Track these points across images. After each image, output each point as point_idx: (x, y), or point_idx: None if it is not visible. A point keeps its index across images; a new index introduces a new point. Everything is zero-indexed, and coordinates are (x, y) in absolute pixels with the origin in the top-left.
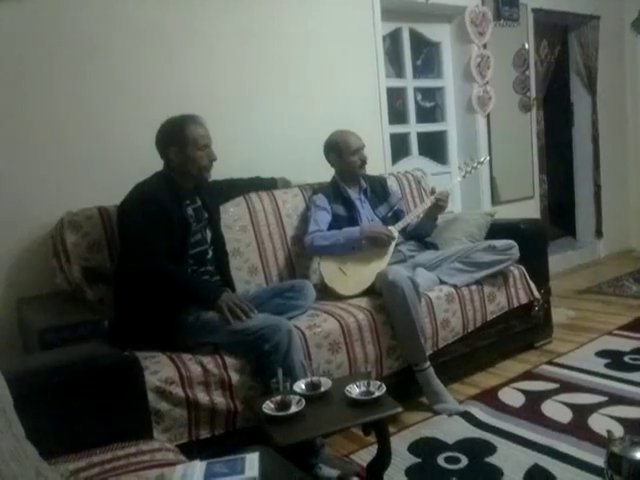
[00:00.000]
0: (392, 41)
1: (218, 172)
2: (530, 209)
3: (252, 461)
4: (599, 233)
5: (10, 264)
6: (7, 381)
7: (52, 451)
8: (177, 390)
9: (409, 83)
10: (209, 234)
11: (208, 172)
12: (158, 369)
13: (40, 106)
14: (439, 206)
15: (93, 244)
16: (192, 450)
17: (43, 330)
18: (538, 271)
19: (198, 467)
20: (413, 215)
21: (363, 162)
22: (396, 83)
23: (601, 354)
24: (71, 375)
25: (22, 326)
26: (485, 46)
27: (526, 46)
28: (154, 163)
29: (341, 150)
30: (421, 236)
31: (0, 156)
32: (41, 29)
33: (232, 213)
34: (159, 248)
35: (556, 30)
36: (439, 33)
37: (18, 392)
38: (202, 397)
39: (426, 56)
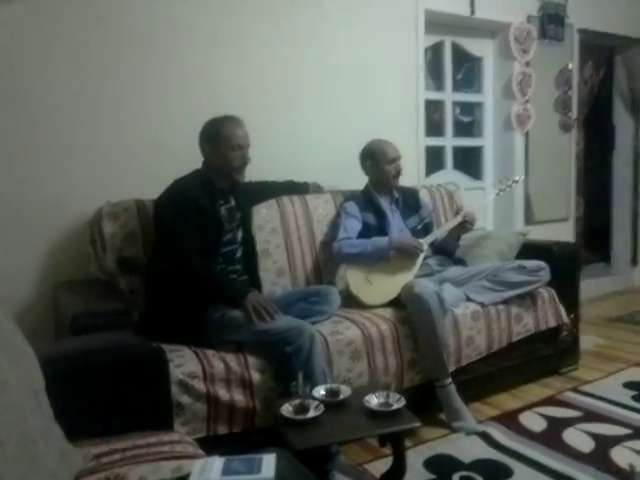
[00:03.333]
0: (434, 54)
1: (252, 173)
2: (564, 231)
3: (269, 462)
4: (635, 261)
5: (49, 249)
6: (40, 364)
7: (77, 434)
8: (199, 385)
9: (448, 96)
10: (240, 234)
11: (240, 173)
12: (182, 363)
13: (85, 98)
14: (465, 227)
15: (129, 235)
16: (210, 445)
17: (76, 315)
18: (568, 295)
19: (216, 463)
20: (443, 230)
21: (398, 173)
22: (435, 96)
23: (628, 385)
24: (100, 362)
25: (56, 310)
26: (528, 64)
27: (570, 66)
28: (193, 160)
29: (378, 158)
30: (443, 254)
31: (45, 146)
32: (86, 21)
33: (264, 214)
34: (191, 245)
35: (602, 51)
36: (482, 48)
37: (49, 375)
38: (223, 394)
39: (467, 70)
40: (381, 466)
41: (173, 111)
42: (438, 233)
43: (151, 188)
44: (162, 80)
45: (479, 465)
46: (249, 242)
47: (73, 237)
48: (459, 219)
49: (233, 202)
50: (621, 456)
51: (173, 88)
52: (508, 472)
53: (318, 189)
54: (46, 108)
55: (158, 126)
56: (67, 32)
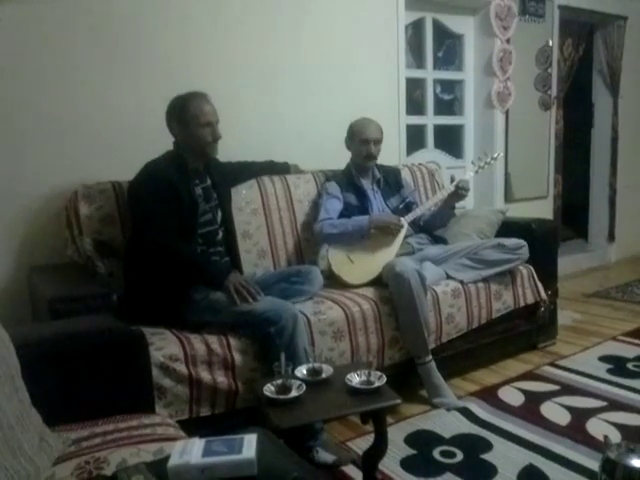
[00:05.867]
0: (414, 31)
1: (232, 153)
2: (543, 209)
3: (250, 442)
4: (611, 237)
5: (24, 233)
6: (16, 348)
7: (56, 418)
8: (181, 367)
9: (429, 74)
10: (220, 215)
11: (212, 150)
12: (163, 345)
13: (61, 79)
14: (459, 194)
15: (106, 218)
16: (192, 426)
17: (53, 300)
18: (547, 272)
19: (197, 444)
20: (424, 207)
21: (368, 155)
22: (416, 74)
23: (604, 359)
24: (78, 346)
25: (33, 295)
26: (508, 41)
27: (550, 43)
28: (169, 141)
29: (353, 136)
30: (436, 227)
31: (19, 126)
32: (55, 4)
33: (244, 195)
34: (168, 226)
35: (581, 28)
36: (462, 25)
37: (26, 359)
38: (205, 375)
39: (448, 48)
40: (363, 443)
41: (147, 92)
42: (419, 211)
43: (127, 170)
44: (134, 60)
45: (459, 440)
46: (227, 223)
47: (49, 220)
48: (452, 188)
49: (209, 181)
50: (596, 428)
51: (147, 68)
52: (488, 446)
53: (298, 171)
54: (17, 91)
55: (132, 107)
56: (35, 15)
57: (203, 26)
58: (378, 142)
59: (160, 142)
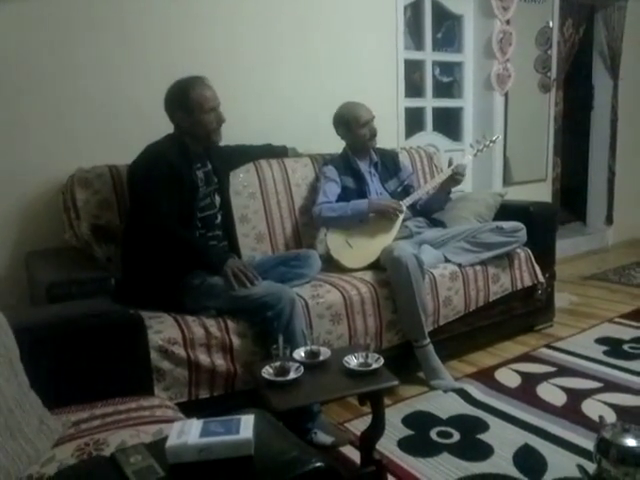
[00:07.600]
0: (413, 12)
1: (230, 137)
2: (541, 192)
3: (247, 422)
4: (609, 220)
5: (21, 218)
6: (14, 332)
7: (55, 401)
8: (179, 350)
9: (428, 56)
10: (218, 199)
11: (217, 135)
12: (162, 329)
13: (57, 63)
14: (455, 179)
15: (103, 202)
16: (192, 409)
17: (51, 284)
18: (545, 255)
19: (195, 425)
20: (423, 191)
21: (373, 134)
22: (415, 55)
23: (601, 341)
24: (76, 329)
25: (31, 279)
26: (508, 22)
27: (550, 24)
28: (167, 124)
29: (349, 123)
30: (433, 210)
31: (16, 110)
32: None
33: (242, 179)
34: (169, 209)
35: (582, 9)
36: (462, 6)
37: (24, 343)
38: (203, 359)
39: (447, 29)
40: (361, 424)
41: (145, 74)
42: (417, 195)
43: (124, 154)
44: (136, 42)
45: (456, 420)
46: (226, 207)
47: (46, 205)
48: (449, 172)
49: (210, 166)
50: (592, 408)
51: (145, 50)
52: (484, 426)
53: (297, 155)
54: (15, 76)
55: (128, 90)
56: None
57: (202, 8)
58: (374, 119)
59: (158, 125)
